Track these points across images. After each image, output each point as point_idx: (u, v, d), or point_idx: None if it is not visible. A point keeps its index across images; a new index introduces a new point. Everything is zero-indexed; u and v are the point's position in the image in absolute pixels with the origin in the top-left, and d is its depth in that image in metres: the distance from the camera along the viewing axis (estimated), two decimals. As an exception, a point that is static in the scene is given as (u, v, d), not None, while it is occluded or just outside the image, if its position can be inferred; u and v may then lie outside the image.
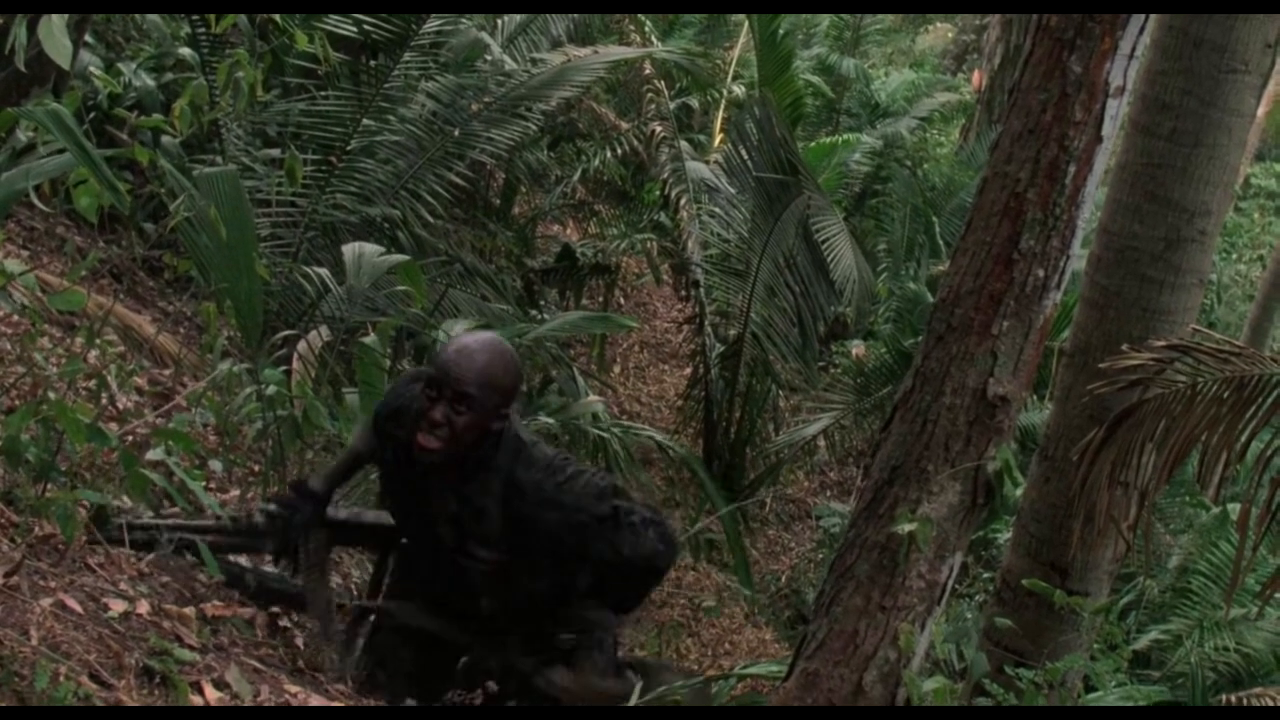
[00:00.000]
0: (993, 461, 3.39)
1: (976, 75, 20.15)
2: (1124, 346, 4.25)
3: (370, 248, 6.20)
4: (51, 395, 3.63)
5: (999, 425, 3.39)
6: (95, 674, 2.90)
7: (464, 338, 3.78)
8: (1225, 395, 3.97)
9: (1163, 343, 4.18)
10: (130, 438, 4.47)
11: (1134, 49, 3.32)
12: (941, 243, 13.81)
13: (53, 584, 3.24)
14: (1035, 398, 10.34)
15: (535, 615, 3.93)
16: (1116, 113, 3.34)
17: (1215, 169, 4.42)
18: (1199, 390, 4.03)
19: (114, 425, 4.37)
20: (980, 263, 3.37)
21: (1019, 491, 4.78)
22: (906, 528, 3.33)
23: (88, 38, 7.24)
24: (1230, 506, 8.59)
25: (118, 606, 3.33)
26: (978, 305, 3.36)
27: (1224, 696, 7.86)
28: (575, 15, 11.05)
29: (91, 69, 6.93)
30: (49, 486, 3.62)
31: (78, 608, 3.15)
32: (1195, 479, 6.82)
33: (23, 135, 4.56)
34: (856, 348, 12.79)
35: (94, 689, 2.79)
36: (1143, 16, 3.31)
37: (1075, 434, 4.41)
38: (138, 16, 8.42)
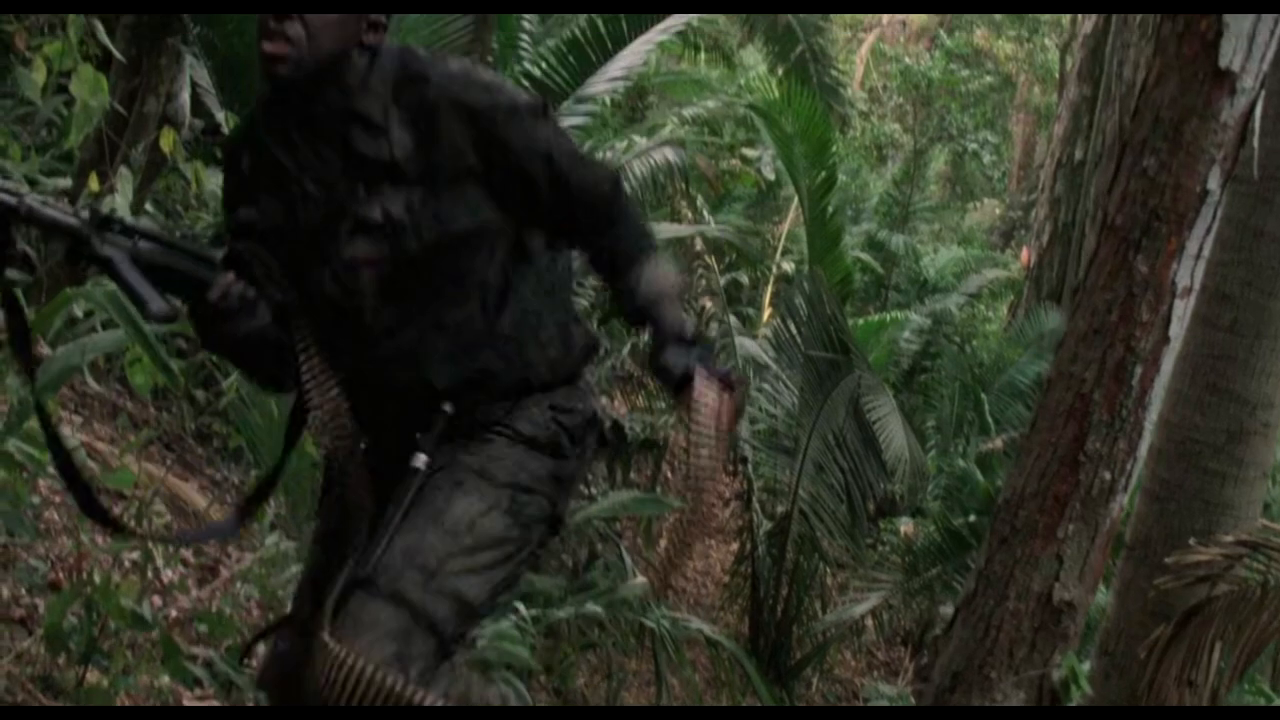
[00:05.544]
0: (1058, 669, 3.29)
1: (1025, 252, 20.18)
2: (1191, 541, 4.15)
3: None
4: (97, 578, 3.59)
5: (1064, 631, 3.30)
6: None
7: None
8: (1298, 595, 3.86)
9: (1231, 538, 4.09)
10: (174, 612, 4.44)
11: (1200, 249, 3.30)
12: (990, 420, 13.68)
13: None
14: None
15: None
16: (1184, 313, 3.30)
17: (1277, 361, 4.38)
18: (1270, 588, 3.93)
19: (158, 599, 4.34)
20: (1045, 464, 3.31)
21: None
22: (970, 738, 3.22)
23: (147, 206, 7.35)
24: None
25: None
26: (1043, 508, 3.30)
27: None
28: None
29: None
30: (89, 669, 3.56)
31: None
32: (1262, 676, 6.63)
33: (78, 310, 4.61)
34: (905, 526, 12.61)
35: None
36: (1209, 216, 3.28)
37: (1137, 629, 4.29)
38: (196, 196, 8.43)
